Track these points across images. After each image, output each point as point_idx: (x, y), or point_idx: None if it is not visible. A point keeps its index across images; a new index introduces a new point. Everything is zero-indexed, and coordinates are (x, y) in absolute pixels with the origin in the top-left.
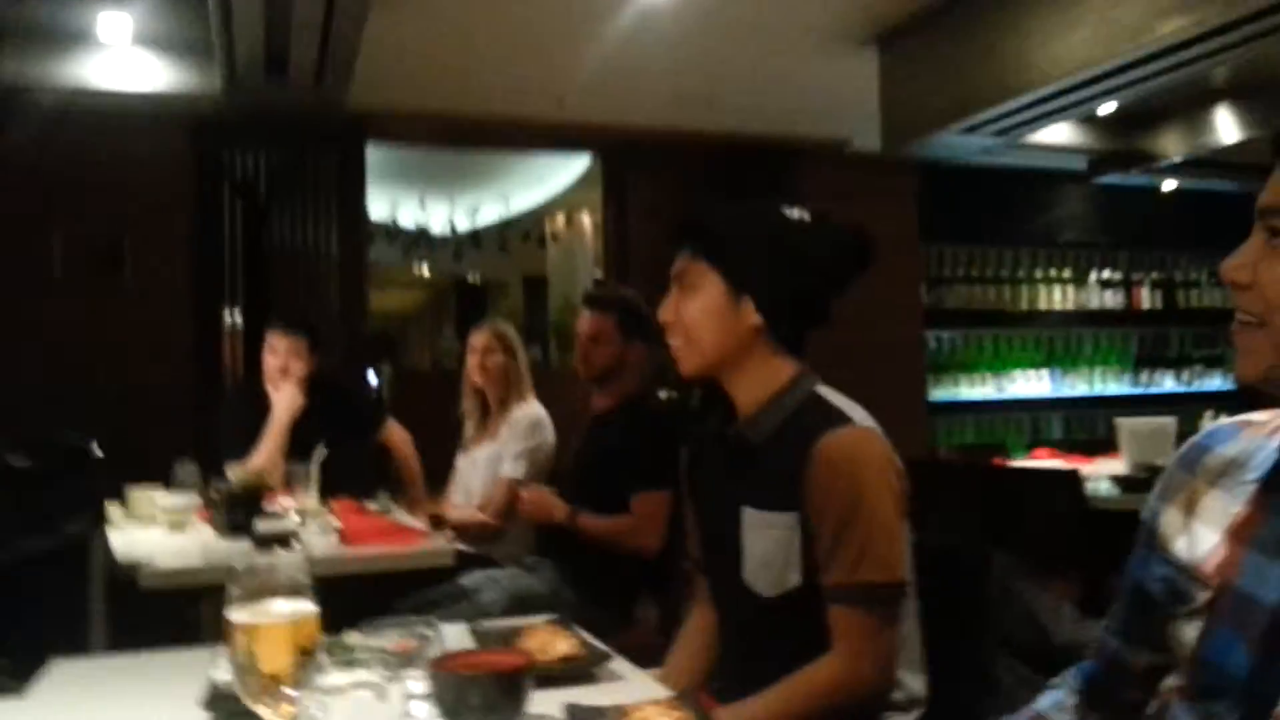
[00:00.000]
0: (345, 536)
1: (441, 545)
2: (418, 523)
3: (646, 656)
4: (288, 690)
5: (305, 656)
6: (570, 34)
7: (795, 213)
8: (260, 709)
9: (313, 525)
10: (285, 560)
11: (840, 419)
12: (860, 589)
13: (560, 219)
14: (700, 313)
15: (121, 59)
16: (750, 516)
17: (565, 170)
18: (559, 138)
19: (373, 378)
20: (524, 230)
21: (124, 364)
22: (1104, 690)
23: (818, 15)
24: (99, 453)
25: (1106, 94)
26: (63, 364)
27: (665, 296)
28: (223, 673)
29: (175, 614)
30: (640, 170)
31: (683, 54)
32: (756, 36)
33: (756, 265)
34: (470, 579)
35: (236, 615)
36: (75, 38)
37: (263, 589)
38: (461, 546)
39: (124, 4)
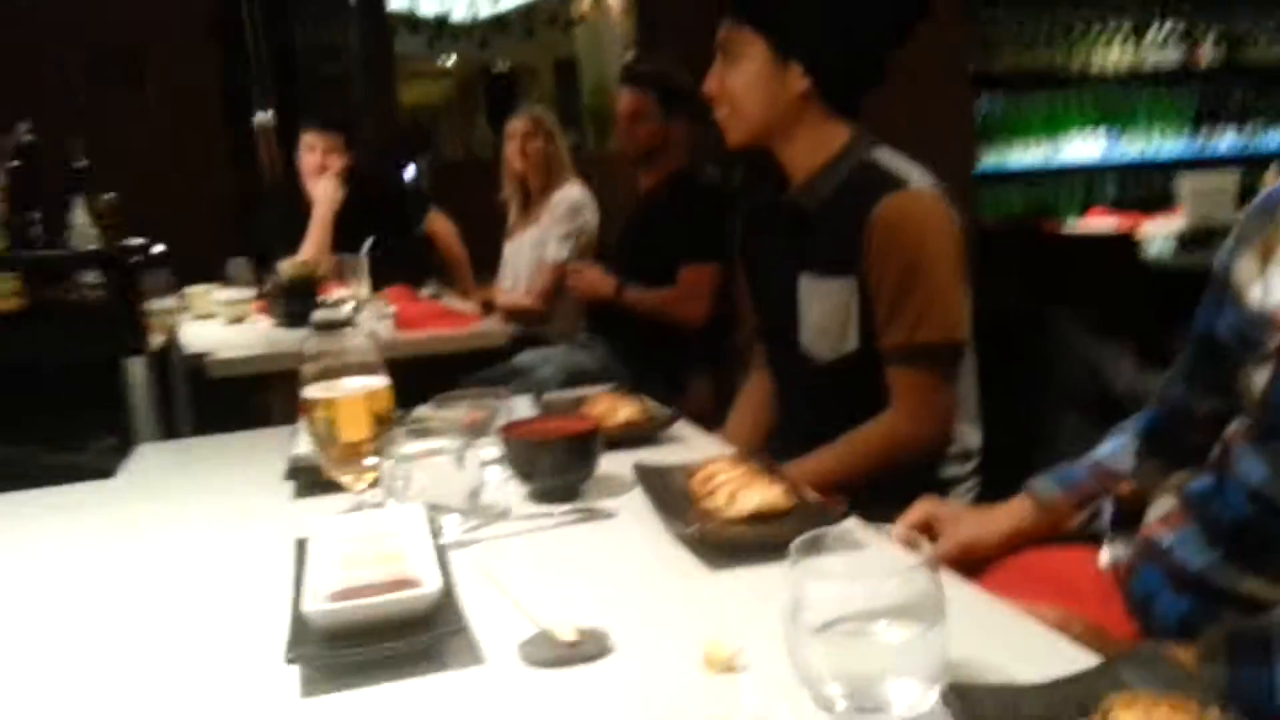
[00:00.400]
0: (400, 321)
1: (495, 326)
2: (469, 307)
3: (700, 425)
4: (367, 460)
5: (381, 427)
6: None
7: None
8: (342, 478)
9: (367, 312)
10: (353, 340)
11: (897, 182)
12: (920, 349)
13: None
14: (744, 81)
15: None
16: (807, 283)
17: None
18: None
19: (411, 171)
20: (550, 14)
21: (163, 174)
22: (1165, 436)
23: None
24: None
25: None
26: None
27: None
28: (303, 448)
29: (242, 402)
30: None
31: None
32: None
33: (802, 27)
34: (524, 358)
35: (312, 391)
36: None
37: (334, 368)
38: (513, 328)
39: None
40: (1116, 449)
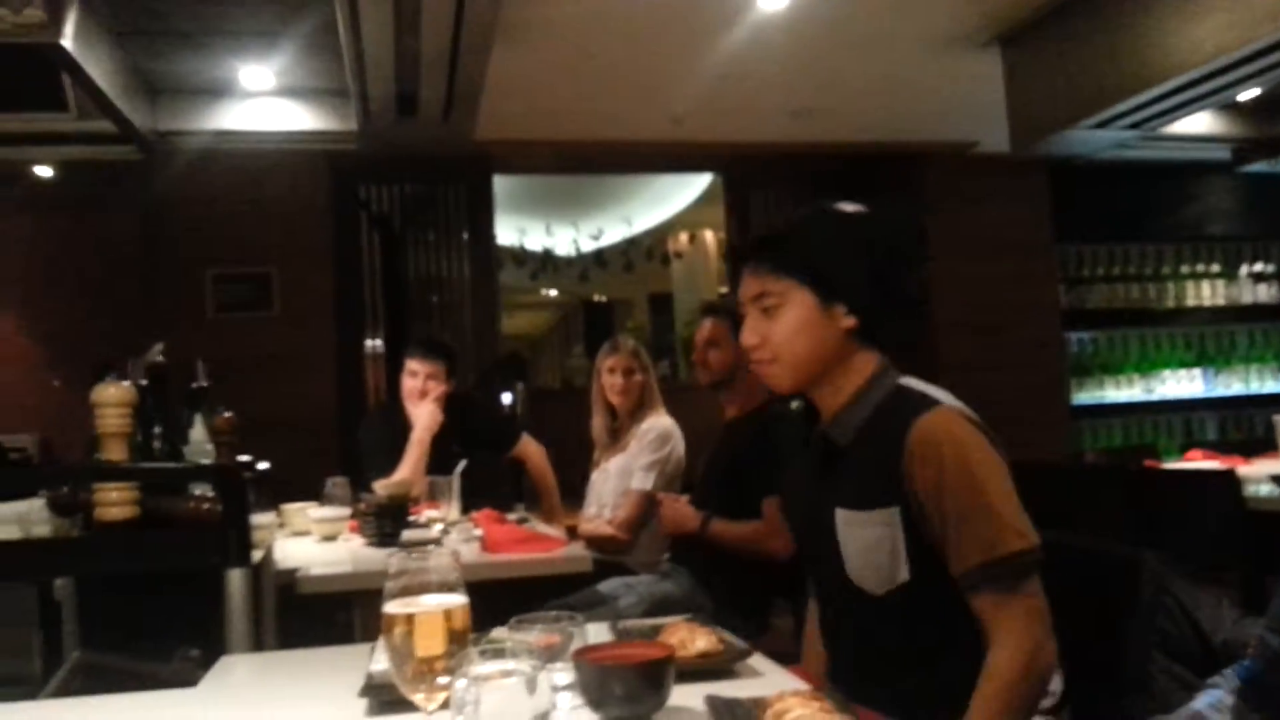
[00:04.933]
0: (486, 544)
1: (579, 552)
2: (555, 533)
3: (782, 662)
4: (440, 678)
5: (457, 646)
6: (684, 54)
7: (850, 206)
8: (415, 696)
9: (455, 534)
10: (435, 559)
11: (927, 403)
12: (999, 565)
13: (683, 237)
14: (792, 329)
15: (264, 106)
16: (844, 517)
17: (686, 189)
18: (678, 157)
19: (507, 397)
20: (647, 249)
21: (274, 391)
22: (1266, 689)
23: (934, 20)
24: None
25: (1246, 80)
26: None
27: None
28: (379, 665)
29: (328, 618)
30: (761, 185)
31: (797, 66)
32: (872, 44)
33: (841, 268)
34: (608, 585)
35: (392, 607)
36: (221, 89)
37: (415, 585)
38: (597, 555)
39: (265, 58)
40: (1214, 701)
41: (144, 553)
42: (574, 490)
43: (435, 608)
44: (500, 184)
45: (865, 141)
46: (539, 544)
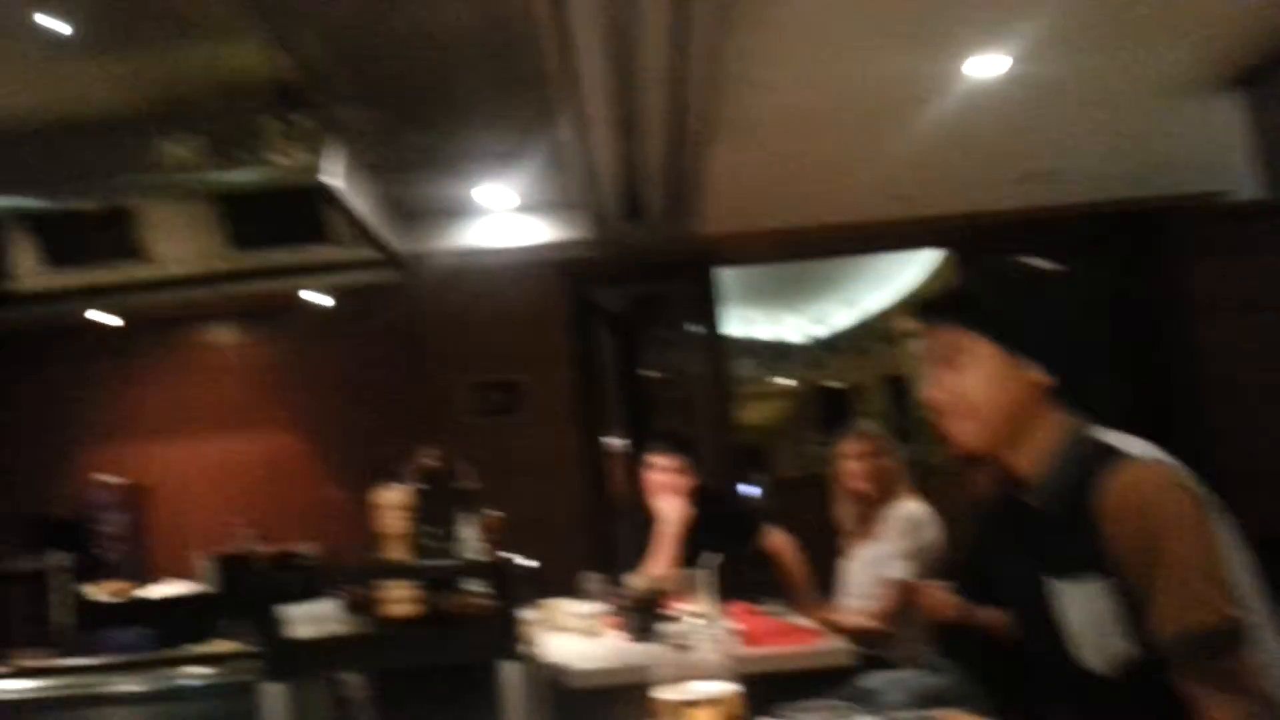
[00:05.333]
0: (747, 637)
1: (840, 645)
2: (812, 625)
3: None
4: None
5: None
6: (899, 130)
7: (1039, 262)
8: None
9: (714, 628)
10: (702, 654)
11: (1119, 458)
12: (1194, 637)
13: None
14: (982, 385)
15: (504, 222)
16: (1057, 588)
17: (911, 267)
18: (904, 234)
19: (754, 488)
20: (880, 331)
21: (525, 491)
22: None
23: (1164, 67)
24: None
25: None
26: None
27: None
28: None
29: (587, 713)
30: (993, 256)
31: (1022, 129)
32: (1100, 98)
33: (1030, 323)
34: (871, 680)
35: (665, 694)
36: (464, 210)
37: (684, 674)
38: (858, 648)
39: (504, 177)
40: None
41: (428, 647)
42: (824, 581)
43: (709, 694)
44: (726, 277)
45: (1103, 201)
46: (799, 636)
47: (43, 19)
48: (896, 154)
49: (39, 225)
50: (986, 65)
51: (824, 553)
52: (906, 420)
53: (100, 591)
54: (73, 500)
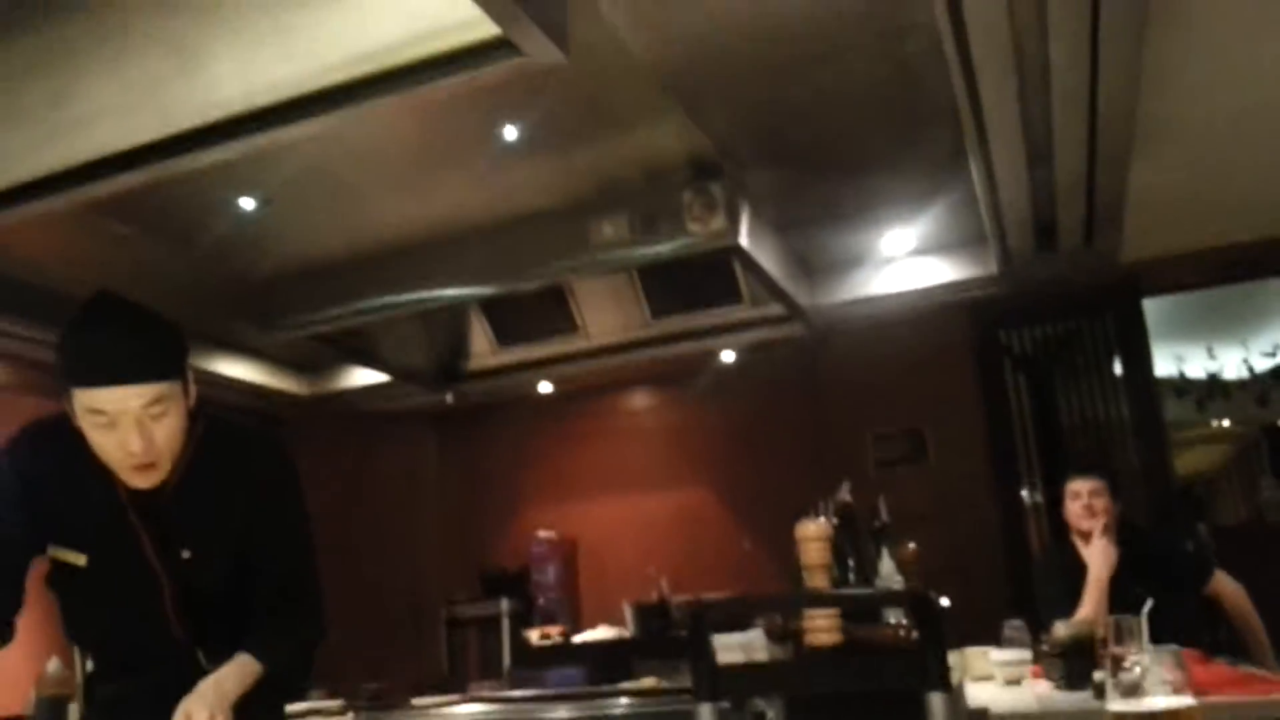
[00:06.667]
0: (1196, 686)
1: None
2: (1273, 675)
3: None
4: None
5: None
6: None
7: None
8: None
9: (1153, 675)
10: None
11: None
12: None
13: None
14: None
15: (905, 267)
16: None
17: None
18: None
19: (1188, 543)
20: None
21: (937, 542)
22: None
23: None
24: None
25: None
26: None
27: None
28: None
29: None
30: None
31: None
32: None
33: None
34: None
35: (1120, 706)
36: (866, 258)
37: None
38: None
39: (908, 221)
40: None
41: (849, 674)
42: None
43: (1167, 706)
44: (1151, 308)
45: None
46: (1260, 687)
47: (496, 127)
48: None
49: (490, 310)
50: None
51: (1276, 610)
52: None
53: (538, 635)
54: (515, 553)
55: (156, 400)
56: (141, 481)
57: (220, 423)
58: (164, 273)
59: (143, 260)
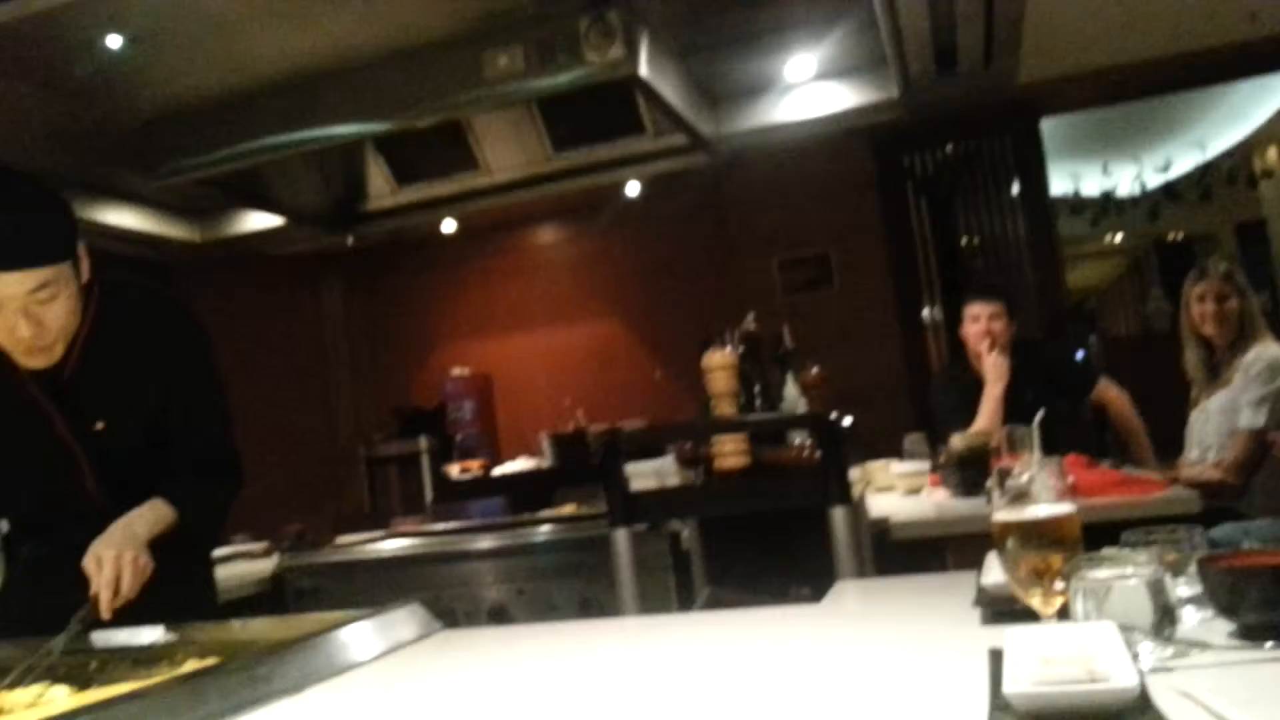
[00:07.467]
0: (1081, 490)
1: (1183, 493)
2: (1152, 477)
3: None
4: (1057, 584)
5: (1070, 552)
6: None
7: None
8: (1031, 600)
9: (1040, 481)
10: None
11: None
12: None
13: (1271, 153)
14: None
15: (808, 94)
16: None
17: (1271, 97)
18: (1256, 60)
19: (1079, 353)
20: (1228, 172)
21: (841, 364)
22: None
23: None
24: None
25: None
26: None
27: None
28: (991, 577)
29: (918, 566)
30: None
31: None
32: None
33: None
34: (1220, 532)
35: (1004, 515)
36: (768, 86)
37: (1023, 498)
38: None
39: (810, 47)
40: None
41: (757, 495)
42: (1163, 442)
43: (1044, 515)
44: (1049, 129)
45: None
46: (1139, 487)
47: None
48: None
49: (386, 148)
50: None
51: (1161, 414)
52: (1263, 270)
53: (458, 469)
54: (431, 391)
55: (42, 285)
56: (36, 363)
57: (120, 289)
58: (33, 120)
59: (10, 108)
